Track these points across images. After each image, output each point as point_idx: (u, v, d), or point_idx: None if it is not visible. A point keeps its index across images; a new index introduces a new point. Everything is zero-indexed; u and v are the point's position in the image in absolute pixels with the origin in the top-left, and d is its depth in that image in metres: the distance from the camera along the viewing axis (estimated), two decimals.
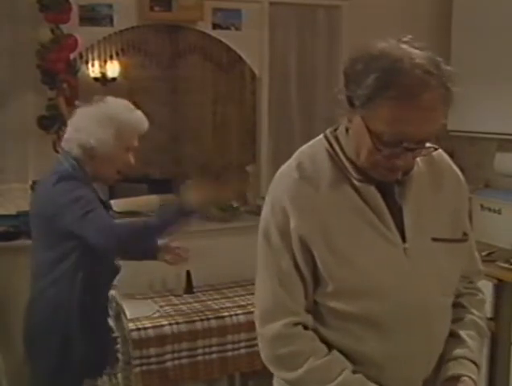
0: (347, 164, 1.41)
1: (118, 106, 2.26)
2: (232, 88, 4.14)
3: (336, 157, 1.43)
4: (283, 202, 1.41)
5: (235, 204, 3.56)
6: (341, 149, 1.43)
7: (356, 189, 1.41)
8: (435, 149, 1.43)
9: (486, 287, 3.12)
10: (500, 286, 3.06)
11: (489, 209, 3.65)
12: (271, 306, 1.43)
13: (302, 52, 3.72)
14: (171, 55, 5.00)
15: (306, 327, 1.43)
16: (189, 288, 3.08)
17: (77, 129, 2.21)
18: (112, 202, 5.04)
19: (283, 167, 1.49)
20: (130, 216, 4.08)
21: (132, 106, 2.31)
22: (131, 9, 3.12)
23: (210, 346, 2.80)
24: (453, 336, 1.52)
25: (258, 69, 3.63)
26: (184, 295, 3.07)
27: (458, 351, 1.50)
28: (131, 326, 2.70)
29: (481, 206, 3.72)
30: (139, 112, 2.31)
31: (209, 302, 3.01)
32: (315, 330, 1.44)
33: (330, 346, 1.43)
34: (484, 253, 3.34)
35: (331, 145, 1.46)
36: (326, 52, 3.77)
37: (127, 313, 2.73)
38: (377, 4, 3.75)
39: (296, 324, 1.42)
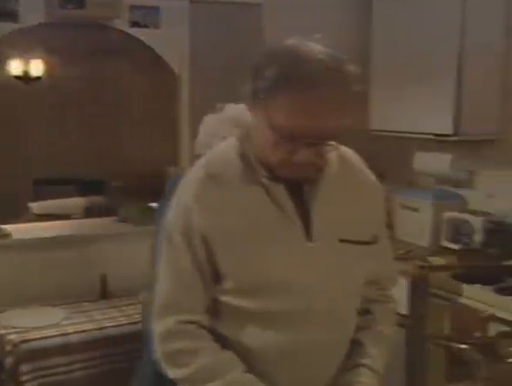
0: (255, 162, 1.41)
1: (239, 108, 2.19)
2: (153, 87, 4.07)
3: (245, 155, 1.43)
4: (187, 201, 1.42)
5: (154, 207, 3.49)
6: (252, 146, 1.42)
7: (265, 187, 1.41)
8: (339, 148, 1.45)
9: (402, 285, 3.17)
10: (415, 284, 3.10)
11: (409, 208, 3.70)
12: (165, 303, 1.44)
13: (223, 50, 3.68)
14: (91, 53, 4.90)
15: (201, 326, 1.42)
16: (104, 293, 3.00)
17: (208, 134, 2.24)
18: (32, 204, 4.94)
19: (193, 167, 1.49)
20: (53, 219, 3.97)
21: None
22: (39, 5, 3.00)
23: (124, 353, 2.72)
24: (356, 344, 1.52)
25: (177, 67, 3.58)
26: (99, 301, 2.99)
27: (358, 360, 1.50)
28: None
29: (401, 205, 3.78)
30: None
31: (124, 308, 2.94)
32: (214, 328, 1.43)
33: (229, 344, 1.43)
34: (402, 251, 3.39)
35: (241, 142, 1.46)
36: (247, 50, 3.74)
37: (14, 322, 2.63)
38: (297, 3, 3.75)
39: (189, 322, 1.42)
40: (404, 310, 3.13)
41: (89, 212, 4.65)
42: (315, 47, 1.32)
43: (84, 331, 2.70)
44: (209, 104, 3.76)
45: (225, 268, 1.41)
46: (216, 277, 1.43)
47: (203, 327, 1.43)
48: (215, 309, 1.45)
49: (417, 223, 3.60)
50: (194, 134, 3.64)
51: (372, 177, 1.59)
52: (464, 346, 2.43)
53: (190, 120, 3.69)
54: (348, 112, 1.34)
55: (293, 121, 1.29)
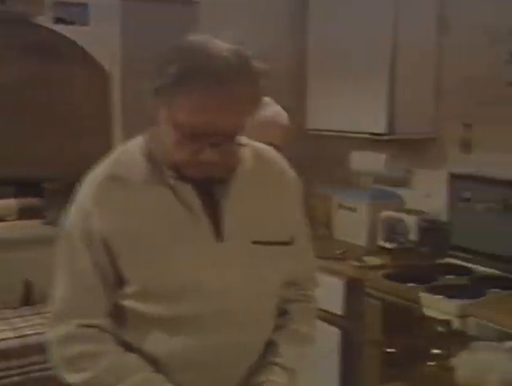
0: (162, 162, 1.36)
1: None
2: (83, 85, 3.94)
3: (151, 155, 1.39)
4: (86, 204, 1.38)
5: None
6: (159, 146, 1.37)
7: (172, 188, 1.36)
8: (252, 145, 1.44)
9: (337, 285, 3.15)
10: (351, 284, 3.07)
11: (346, 208, 3.68)
12: (63, 307, 1.38)
13: (156, 47, 3.59)
14: (17, 50, 4.73)
15: (103, 330, 1.37)
16: (27, 299, 2.87)
17: None
18: None
19: (95, 167, 1.43)
20: None
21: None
22: None
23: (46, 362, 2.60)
24: (270, 344, 1.47)
25: (108, 64, 3.48)
26: (21, 307, 2.86)
27: (271, 359, 1.45)
28: None
29: (339, 205, 3.75)
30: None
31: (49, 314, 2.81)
32: (118, 335, 1.38)
33: (132, 349, 1.37)
34: (338, 252, 3.36)
35: (147, 142, 1.42)
36: None
37: None
38: (234, 1, 3.70)
39: (91, 326, 1.36)
40: (340, 311, 3.11)
41: (23, 214, 4.49)
42: (220, 44, 1.28)
43: (3, 340, 2.57)
44: (141, 101, 3.69)
45: (129, 272, 1.35)
46: (120, 282, 1.37)
47: (105, 331, 1.37)
48: (118, 315, 1.39)
49: (354, 222, 3.59)
50: (127, 132, 3.58)
51: (291, 174, 1.54)
52: (392, 350, 2.42)
53: (122, 118, 3.59)
54: (250, 110, 1.31)
55: (194, 119, 1.25)
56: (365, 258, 3.21)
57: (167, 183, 1.36)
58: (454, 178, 3.19)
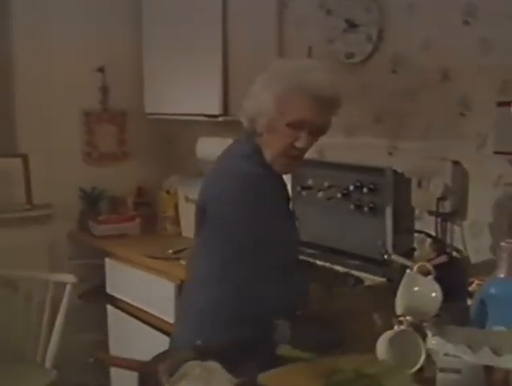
0: None
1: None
2: None
3: None
4: None
5: None
6: None
7: None
8: None
9: (168, 288, 2.81)
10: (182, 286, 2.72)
11: (193, 201, 3.33)
12: None
13: None
14: None
15: None
16: None
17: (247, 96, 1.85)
18: None
19: None
20: None
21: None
22: None
23: None
24: None
25: None
26: None
27: None
28: None
29: (185, 198, 3.41)
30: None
31: None
32: None
33: None
34: (171, 251, 3.01)
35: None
36: None
37: None
38: None
39: None
40: (171, 318, 2.76)
41: None
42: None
43: None
44: None
45: None
46: None
47: None
48: None
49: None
50: None
51: None
52: None
53: None
54: None
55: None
56: None
57: None
58: None
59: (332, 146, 2.82)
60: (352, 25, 2.68)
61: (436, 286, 1.54)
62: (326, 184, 2.73)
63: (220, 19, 2.87)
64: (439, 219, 2.42)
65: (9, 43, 3.40)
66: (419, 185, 2.46)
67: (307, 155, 1.88)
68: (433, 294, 1.53)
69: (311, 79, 1.74)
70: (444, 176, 2.38)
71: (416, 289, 1.54)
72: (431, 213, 2.46)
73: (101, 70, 3.58)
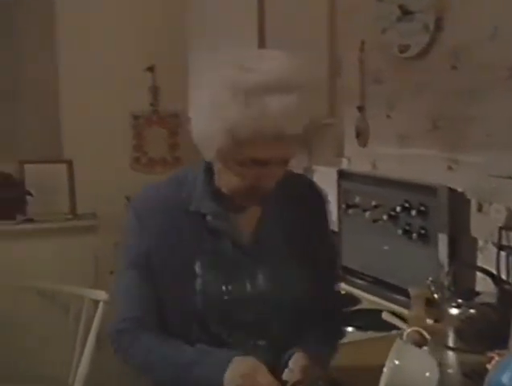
0: None
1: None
2: None
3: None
4: None
5: None
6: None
7: None
8: None
9: None
10: None
11: None
12: None
13: None
14: None
15: None
16: None
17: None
18: None
19: None
20: None
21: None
22: None
23: None
24: None
25: None
26: None
27: None
28: None
29: None
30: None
31: None
32: None
33: None
34: None
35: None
36: None
37: None
38: None
39: None
40: None
41: None
42: None
43: None
44: None
45: None
46: None
47: None
48: None
49: None
50: None
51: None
52: None
53: None
54: None
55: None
56: None
57: None
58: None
59: (384, 157, 2.40)
60: (406, 12, 2.22)
61: (433, 363, 1.11)
62: (373, 203, 2.31)
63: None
64: (502, 253, 1.93)
65: (54, 45, 3.24)
66: (480, 209, 1.98)
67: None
68: (427, 374, 1.11)
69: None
70: (509, 199, 1.88)
71: (404, 363, 1.13)
72: (495, 244, 1.97)
73: (150, 69, 3.34)
